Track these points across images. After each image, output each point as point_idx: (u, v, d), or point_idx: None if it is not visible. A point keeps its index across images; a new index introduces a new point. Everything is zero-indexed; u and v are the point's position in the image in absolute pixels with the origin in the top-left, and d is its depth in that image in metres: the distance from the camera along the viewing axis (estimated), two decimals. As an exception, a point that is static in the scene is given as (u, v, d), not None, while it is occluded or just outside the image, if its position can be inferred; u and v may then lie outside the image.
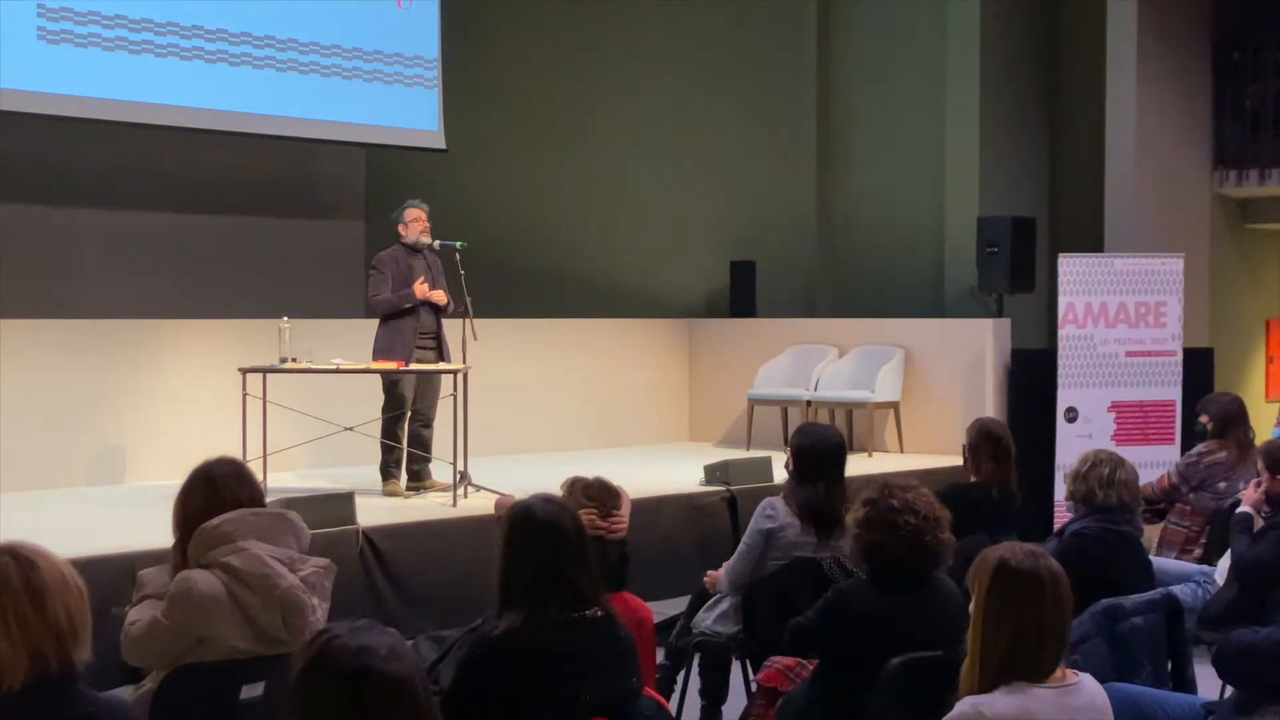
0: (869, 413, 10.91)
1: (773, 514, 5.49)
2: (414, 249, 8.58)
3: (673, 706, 5.60)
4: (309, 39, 10.43)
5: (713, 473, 8.89)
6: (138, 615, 4.07)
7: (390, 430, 8.54)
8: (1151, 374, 9.99)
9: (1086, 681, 3.34)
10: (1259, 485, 6.26)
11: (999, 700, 3.20)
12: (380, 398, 8.58)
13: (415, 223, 8.58)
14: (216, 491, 4.18)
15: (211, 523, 4.10)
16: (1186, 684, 4.79)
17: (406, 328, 8.48)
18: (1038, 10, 12.44)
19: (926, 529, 4.25)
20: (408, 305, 8.45)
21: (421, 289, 8.43)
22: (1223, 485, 7.65)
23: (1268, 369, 12.92)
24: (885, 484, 4.37)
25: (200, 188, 10.63)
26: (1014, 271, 10.88)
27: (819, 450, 5.52)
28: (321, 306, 10.21)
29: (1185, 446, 8.93)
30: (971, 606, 3.33)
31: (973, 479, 6.49)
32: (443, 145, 11.16)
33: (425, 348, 8.59)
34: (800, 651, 4.66)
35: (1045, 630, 3.25)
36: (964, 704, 3.24)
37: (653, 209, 12.49)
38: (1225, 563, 6.18)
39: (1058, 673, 3.28)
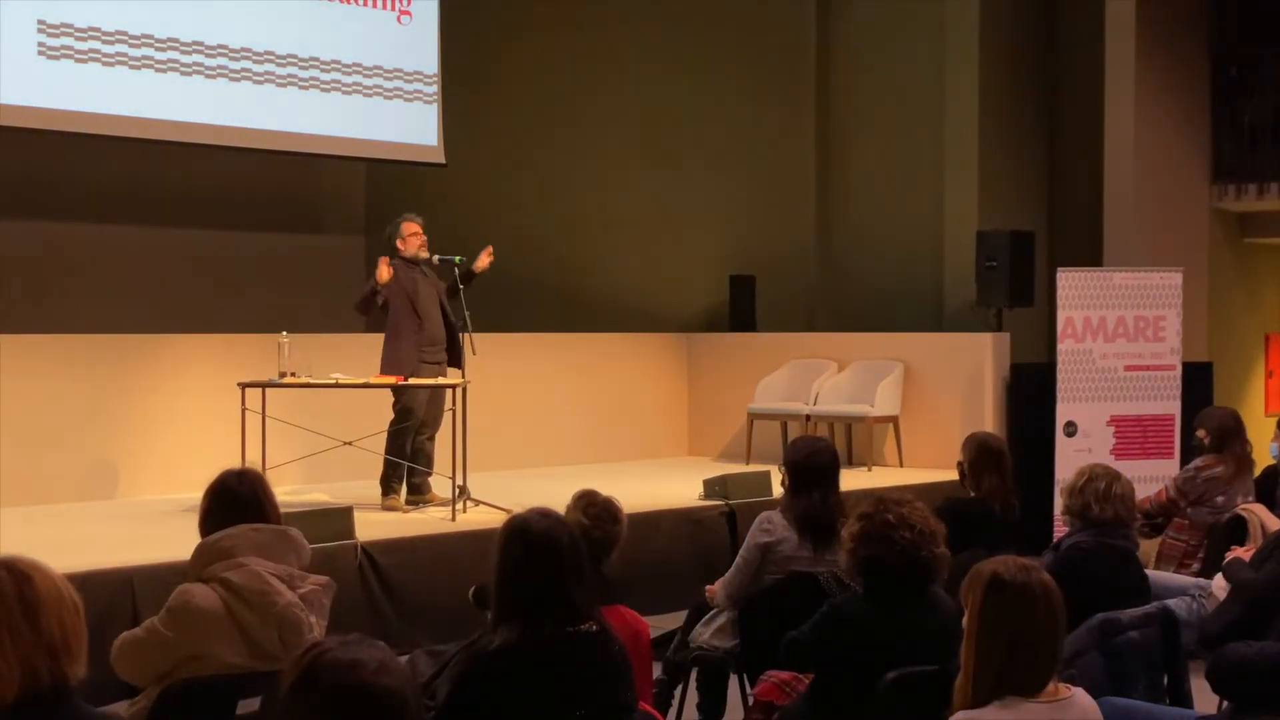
0: (868, 427, 10.92)
1: (770, 528, 5.49)
2: (413, 262, 8.59)
3: (670, 721, 5.61)
4: (308, 54, 10.45)
5: (712, 487, 8.89)
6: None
7: (396, 444, 8.54)
8: (1150, 388, 9.99)
9: (1079, 696, 3.34)
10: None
11: (992, 715, 3.21)
12: (381, 412, 8.60)
13: (413, 238, 8.59)
14: (222, 505, 4.19)
15: (212, 537, 4.11)
16: (1182, 698, 4.79)
17: (407, 341, 8.49)
18: (1036, 25, 12.46)
19: (922, 543, 4.25)
20: (370, 287, 8.40)
21: (381, 271, 8.38)
22: (1220, 500, 7.65)
23: (1267, 383, 12.93)
24: (880, 498, 4.36)
25: (199, 203, 10.65)
26: (1013, 286, 10.89)
27: (812, 462, 5.53)
28: (321, 321, 10.22)
29: (1184, 461, 8.93)
30: (965, 620, 3.34)
31: (972, 494, 6.47)
32: (442, 160, 11.18)
33: (435, 361, 8.59)
34: (796, 665, 4.66)
35: (1038, 644, 3.25)
36: (957, 718, 3.25)
37: (652, 224, 12.51)
38: (1221, 577, 6.17)
39: (1050, 687, 3.28)
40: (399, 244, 8.62)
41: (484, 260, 8.62)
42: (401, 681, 2.35)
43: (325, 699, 2.31)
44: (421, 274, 8.62)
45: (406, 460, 8.53)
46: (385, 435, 8.57)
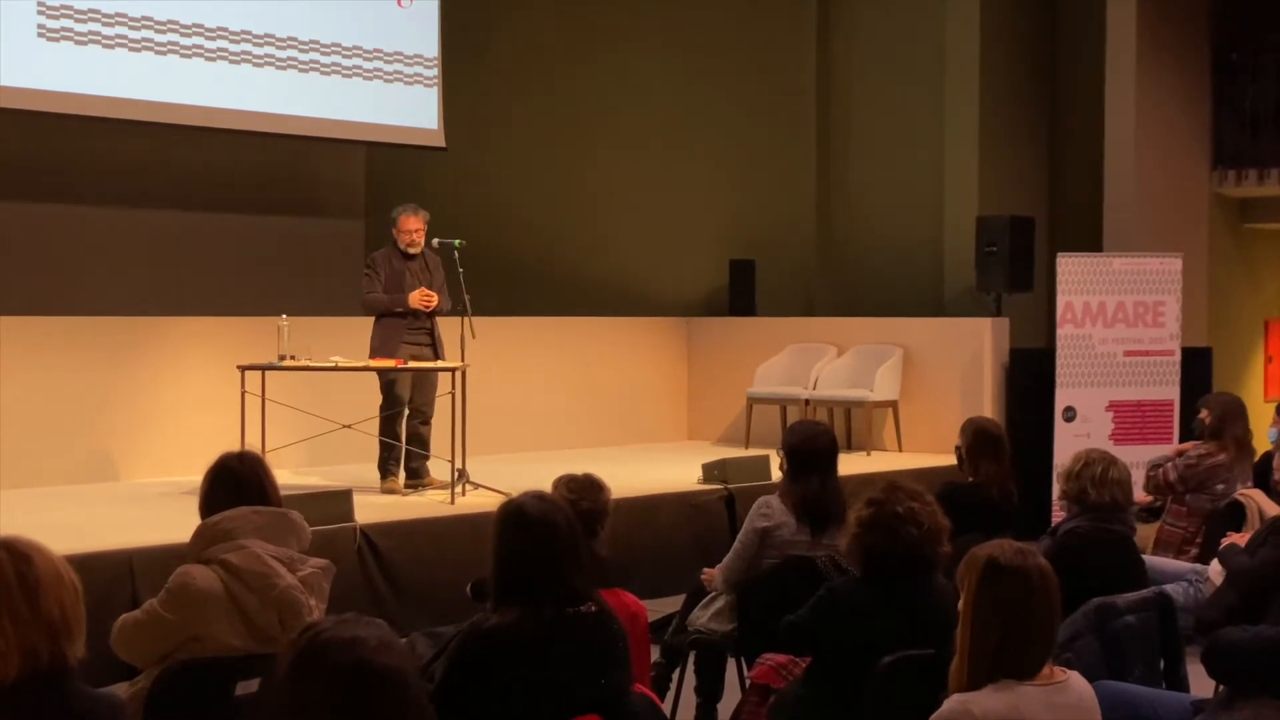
0: (867, 412, 10.93)
1: (768, 512, 5.50)
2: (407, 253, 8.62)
3: (668, 704, 5.61)
4: (309, 37, 10.44)
5: (711, 471, 8.90)
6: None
7: (388, 428, 8.56)
8: (1150, 373, 10.00)
9: (1075, 679, 3.34)
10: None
11: (987, 698, 3.21)
12: (379, 395, 8.61)
13: (404, 234, 8.58)
14: (222, 487, 4.19)
15: (212, 519, 4.12)
16: (1179, 682, 4.80)
17: (397, 325, 8.51)
18: (1038, 9, 12.45)
19: (926, 542, 4.23)
20: (399, 310, 8.47)
21: (416, 298, 8.42)
22: (1220, 487, 7.63)
23: (1266, 369, 12.94)
24: (893, 485, 4.32)
25: (199, 185, 10.64)
26: (1012, 271, 10.90)
27: (811, 447, 5.53)
28: (320, 304, 10.22)
29: (1183, 445, 8.94)
30: (960, 604, 3.34)
31: (970, 479, 6.48)
32: (442, 143, 11.16)
33: (420, 343, 8.61)
34: (793, 649, 4.67)
35: (1033, 628, 3.25)
36: (952, 701, 3.25)
37: (652, 208, 12.51)
38: (1218, 562, 6.17)
39: (1046, 670, 3.28)
40: (394, 230, 8.65)
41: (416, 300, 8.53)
42: (402, 658, 2.32)
43: (327, 680, 2.28)
44: (422, 262, 8.63)
45: (399, 443, 8.55)
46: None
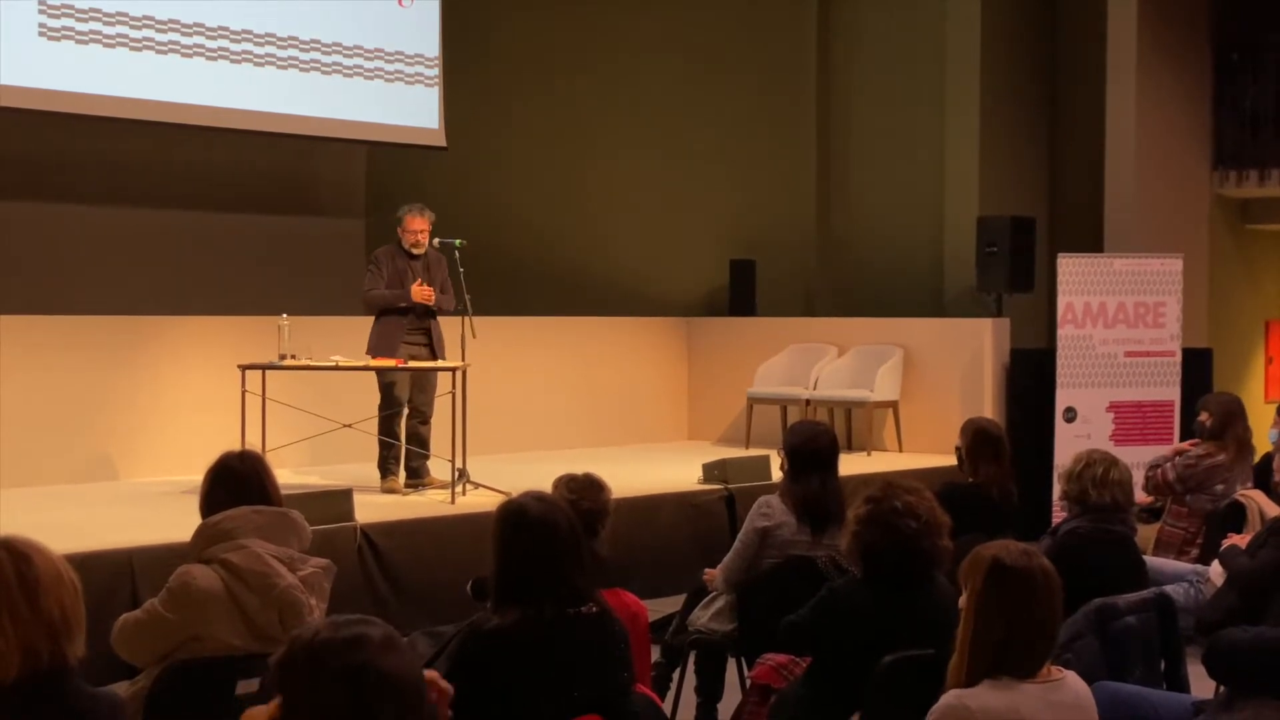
0: (868, 412, 10.93)
1: (768, 512, 5.50)
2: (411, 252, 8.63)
3: (668, 704, 5.61)
4: (310, 36, 10.44)
5: (711, 471, 8.90)
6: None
7: (387, 427, 8.57)
8: (1150, 374, 10.00)
9: (1071, 678, 3.35)
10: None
11: (985, 694, 3.22)
12: (379, 395, 8.61)
13: (409, 234, 8.59)
14: (223, 486, 4.19)
15: (213, 519, 4.12)
16: (1179, 683, 4.80)
17: (396, 325, 8.51)
18: (1038, 10, 12.45)
19: (925, 535, 4.23)
20: (402, 305, 8.48)
21: (419, 291, 8.44)
22: (1220, 488, 7.63)
23: (1267, 370, 12.94)
24: (890, 484, 4.32)
25: (200, 184, 10.64)
26: (1013, 271, 10.90)
27: (811, 447, 5.53)
28: (321, 304, 10.22)
29: (1183, 446, 8.93)
30: (962, 602, 3.35)
31: (970, 480, 6.48)
32: (443, 143, 11.17)
33: (418, 343, 8.61)
34: (794, 649, 4.67)
35: (1036, 628, 3.26)
36: (948, 697, 3.26)
37: (653, 208, 12.51)
38: (1219, 563, 6.17)
39: (1044, 669, 3.29)
40: (399, 231, 8.66)
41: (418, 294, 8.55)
42: (407, 658, 2.28)
43: (333, 683, 2.24)
44: (424, 262, 8.64)
45: (397, 441, 8.55)
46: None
